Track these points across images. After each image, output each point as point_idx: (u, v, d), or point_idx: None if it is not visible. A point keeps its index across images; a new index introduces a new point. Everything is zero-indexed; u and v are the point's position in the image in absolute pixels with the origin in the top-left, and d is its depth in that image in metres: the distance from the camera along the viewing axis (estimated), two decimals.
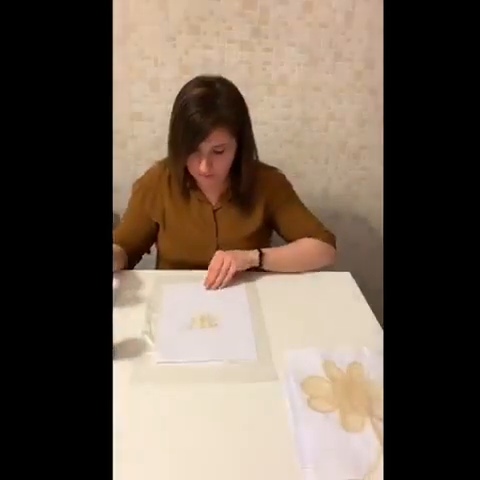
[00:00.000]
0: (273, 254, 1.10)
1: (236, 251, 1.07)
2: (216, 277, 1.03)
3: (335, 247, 1.18)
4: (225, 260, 1.04)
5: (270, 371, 0.79)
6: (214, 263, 1.05)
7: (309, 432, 0.67)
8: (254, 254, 1.08)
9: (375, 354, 0.82)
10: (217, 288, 1.04)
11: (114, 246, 1.10)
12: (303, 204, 1.21)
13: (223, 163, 1.03)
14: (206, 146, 0.97)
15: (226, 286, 1.05)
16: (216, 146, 0.98)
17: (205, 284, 1.04)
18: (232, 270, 1.03)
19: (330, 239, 1.17)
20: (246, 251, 1.08)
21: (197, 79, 0.99)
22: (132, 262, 1.17)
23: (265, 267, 1.10)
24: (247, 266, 1.07)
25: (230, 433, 0.67)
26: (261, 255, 1.08)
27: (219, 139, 0.97)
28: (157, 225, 1.19)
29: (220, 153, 1.00)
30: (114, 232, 1.18)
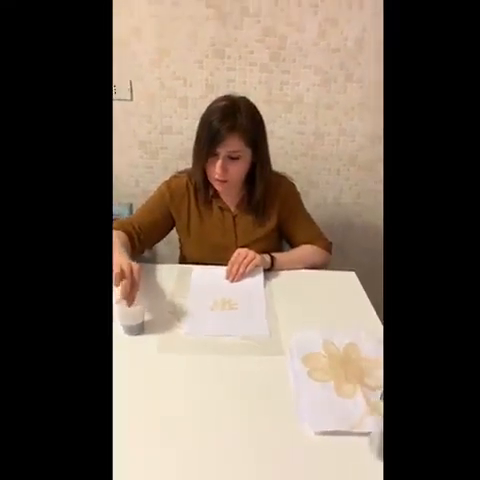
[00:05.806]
0: (282, 258, 1.24)
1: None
2: (237, 270, 1.14)
3: (330, 252, 1.34)
4: (249, 254, 1.15)
5: (278, 348, 0.92)
6: (236, 256, 1.15)
7: (308, 396, 0.79)
8: (267, 257, 1.21)
9: (370, 338, 0.94)
10: (237, 279, 1.14)
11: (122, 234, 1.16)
12: (306, 211, 1.34)
13: (236, 169, 1.13)
14: (222, 150, 1.09)
15: (246, 277, 1.15)
16: (231, 151, 1.09)
17: (227, 277, 1.15)
18: (255, 262, 1.14)
19: (327, 246, 1.33)
20: (261, 255, 1.19)
21: (224, 96, 1.14)
22: (142, 248, 1.25)
23: (275, 268, 1.22)
24: (263, 266, 1.19)
25: (243, 397, 0.79)
26: (272, 259, 1.21)
27: (234, 145, 1.09)
28: (173, 224, 1.30)
29: (235, 159, 1.11)
30: (130, 218, 1.26)
